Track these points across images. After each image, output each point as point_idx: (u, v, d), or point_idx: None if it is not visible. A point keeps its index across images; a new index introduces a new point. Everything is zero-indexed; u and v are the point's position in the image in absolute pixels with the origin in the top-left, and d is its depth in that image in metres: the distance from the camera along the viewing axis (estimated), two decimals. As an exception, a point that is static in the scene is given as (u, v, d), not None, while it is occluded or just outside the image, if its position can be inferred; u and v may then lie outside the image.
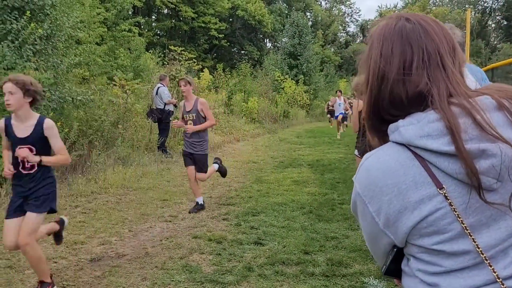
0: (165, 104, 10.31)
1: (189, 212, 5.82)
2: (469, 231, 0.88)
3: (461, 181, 0.89)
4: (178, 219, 5.61)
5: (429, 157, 0.90)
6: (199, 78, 18.56)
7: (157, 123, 10.46)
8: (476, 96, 0.93)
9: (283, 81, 24.82)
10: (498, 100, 0.92)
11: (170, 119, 10.55)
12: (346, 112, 18.20)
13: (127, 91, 10.22)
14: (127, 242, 4.74)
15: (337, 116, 17.18)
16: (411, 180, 0.91)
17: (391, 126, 0.97)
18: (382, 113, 1.00)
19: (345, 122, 19.84)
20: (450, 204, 0.88)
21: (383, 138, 1.02)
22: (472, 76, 2.36)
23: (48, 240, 4.67)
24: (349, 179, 8.12)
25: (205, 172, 6.06)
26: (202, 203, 6.03)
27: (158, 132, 10.48)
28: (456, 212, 0.88)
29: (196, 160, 5.92)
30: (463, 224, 0.88)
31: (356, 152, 5.26)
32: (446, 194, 0.88)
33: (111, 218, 5.53)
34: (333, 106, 18.74)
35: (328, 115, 21.43)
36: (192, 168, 5.93)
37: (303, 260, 4.13)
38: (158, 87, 10.54)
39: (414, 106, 0.95)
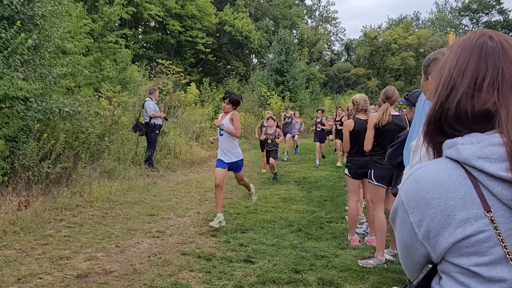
0: (150, 117, 10.24)
1: None
2: (511, 256, 0.88)
3: (510, 208, 0.89)
4: (166, 234, 5.53)
5: (483, 179, 0.90)
6: (185, 92, 18.55)
7: (146, 137, 10.39)
8: None
9: (269, 97, 24.97)
10: None
11: (157, 132, 10.48)
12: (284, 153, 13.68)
13: (114, 103, 10.14)
14: (114, 258, 4.65)
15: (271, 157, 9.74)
16: (461, 198, 0.91)
17: (448, 142, 0.97)
18: (444, 125, 0.99)
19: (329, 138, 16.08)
20: (496, 228, 0.88)
21: (437, 150, 1.02)
22: None
23: (33, 255, 4.56)
24: (336, 197, 8.16)
25: None
26: None
27: (146, 145, 10.40)
28: (500, 236, 0.88)
29: None
30: (506, 249, 0.88)
31: (346, 171, 5.29)
32: (492, 218, 0.89)
33: (97, 233, 5.42)
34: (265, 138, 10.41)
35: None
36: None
37: (294, 279, 4.10)
38: (145, 101, 10.51)
39: (477, 123, 0.94)
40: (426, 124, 1.04)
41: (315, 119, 14.52)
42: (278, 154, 10.79)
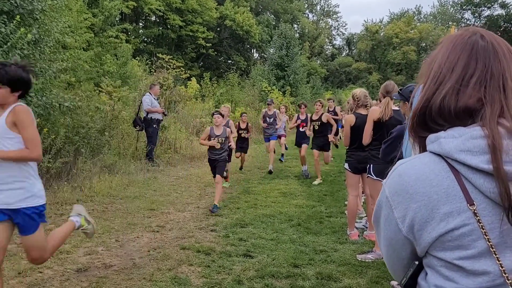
0: (147, 112, 10.23)
1: None
2: (494, 249, 0.88)
3: (493, 201, 0.89)
4: (165, 229, 5.55)
5: (466, 172, 0.91)
6: (186, 86, 18.54)
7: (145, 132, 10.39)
8: None
9: (270, 92, 24.92)
10: None
11: (155, 126, 10.41)
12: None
13: (114, 98, 10.14)
14: (114, 252, 4.67)
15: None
16: (444, 192, 0.91)
17: (431, 137, 0.98)
18: (428, 119, 1.00)
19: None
20: (479, 221, 0.88)
21: (422, 145, 1.02)
22: None
23: (33, 249, 4.58)
24: (336, 192, 8.17)
25: None
26: None
27: (146, 140, 10.41)
28: (483, 229, 0.88)
29: None
30: (490, 242, 0.88)
31: (346, 165, 5.29)
32: (475, 211, 0.89)
33: (97, 228, 5.43)
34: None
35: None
36: None
37: (292, 274, 4.12)
38: (143, 95, 10.54)
39: (459, 119, 0.95)
40: (411, 119, 1.04)
41: (297, 115, 10.35)
42: (228, 167, 8.12)
